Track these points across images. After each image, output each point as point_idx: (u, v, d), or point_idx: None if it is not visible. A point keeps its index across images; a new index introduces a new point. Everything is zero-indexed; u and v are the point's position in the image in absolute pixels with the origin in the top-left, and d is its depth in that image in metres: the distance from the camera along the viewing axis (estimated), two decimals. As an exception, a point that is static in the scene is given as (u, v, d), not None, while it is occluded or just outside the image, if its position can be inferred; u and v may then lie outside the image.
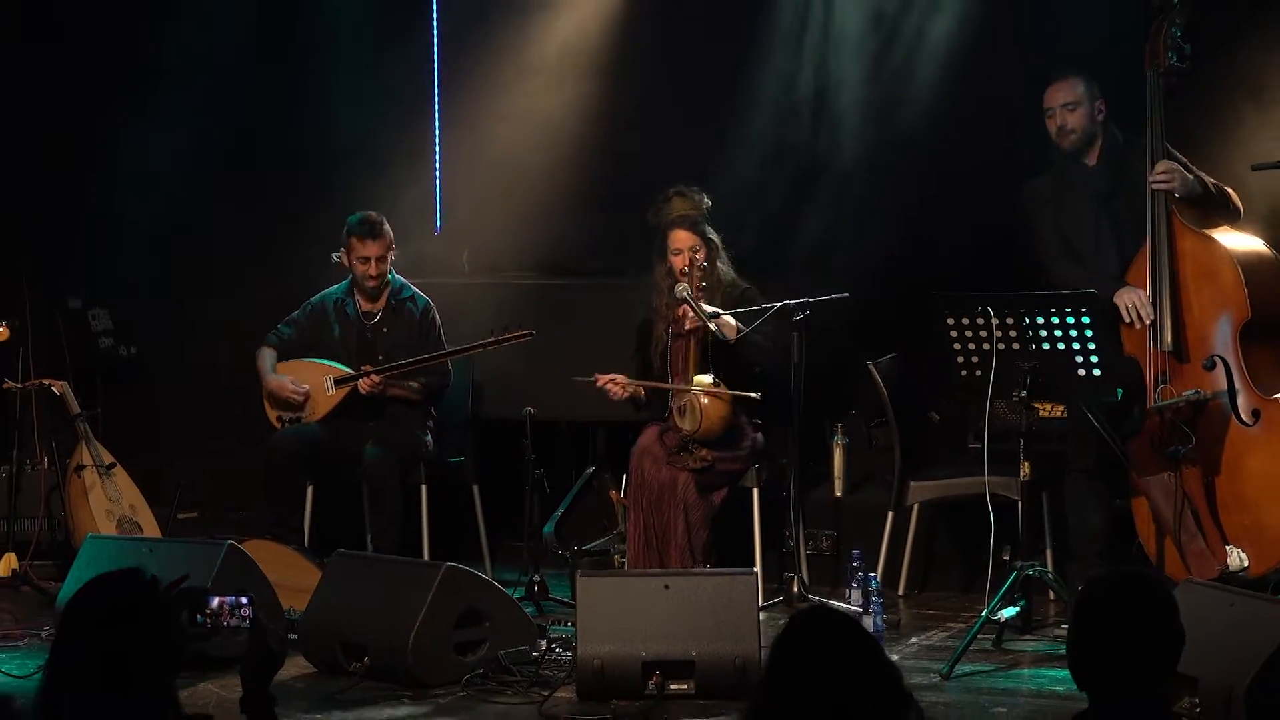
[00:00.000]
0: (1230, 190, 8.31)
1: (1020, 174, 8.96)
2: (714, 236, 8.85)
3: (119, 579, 4.69)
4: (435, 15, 11.09)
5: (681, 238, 8.79)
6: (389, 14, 11.08)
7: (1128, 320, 8.21)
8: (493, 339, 9.10)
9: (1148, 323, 8.16)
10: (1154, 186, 8.16)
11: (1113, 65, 8.62)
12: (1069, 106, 8.47)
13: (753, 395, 8.62)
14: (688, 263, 8.72)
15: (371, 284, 9.35)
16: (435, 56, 11.11)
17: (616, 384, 8.87)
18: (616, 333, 9.26)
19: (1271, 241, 8.18)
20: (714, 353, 8.73)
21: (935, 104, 10.02)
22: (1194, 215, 8.26)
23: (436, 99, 11.13)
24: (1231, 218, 8.29)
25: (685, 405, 8.69)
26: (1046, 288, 8.38)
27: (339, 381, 9.24)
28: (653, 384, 8.92)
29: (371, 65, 10.94)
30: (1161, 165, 8.18)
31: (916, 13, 10.07)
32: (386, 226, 9.37)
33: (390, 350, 9.28)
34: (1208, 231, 8.20)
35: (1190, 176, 8.18)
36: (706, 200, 8.97)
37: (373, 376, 9.13)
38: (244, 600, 7.58)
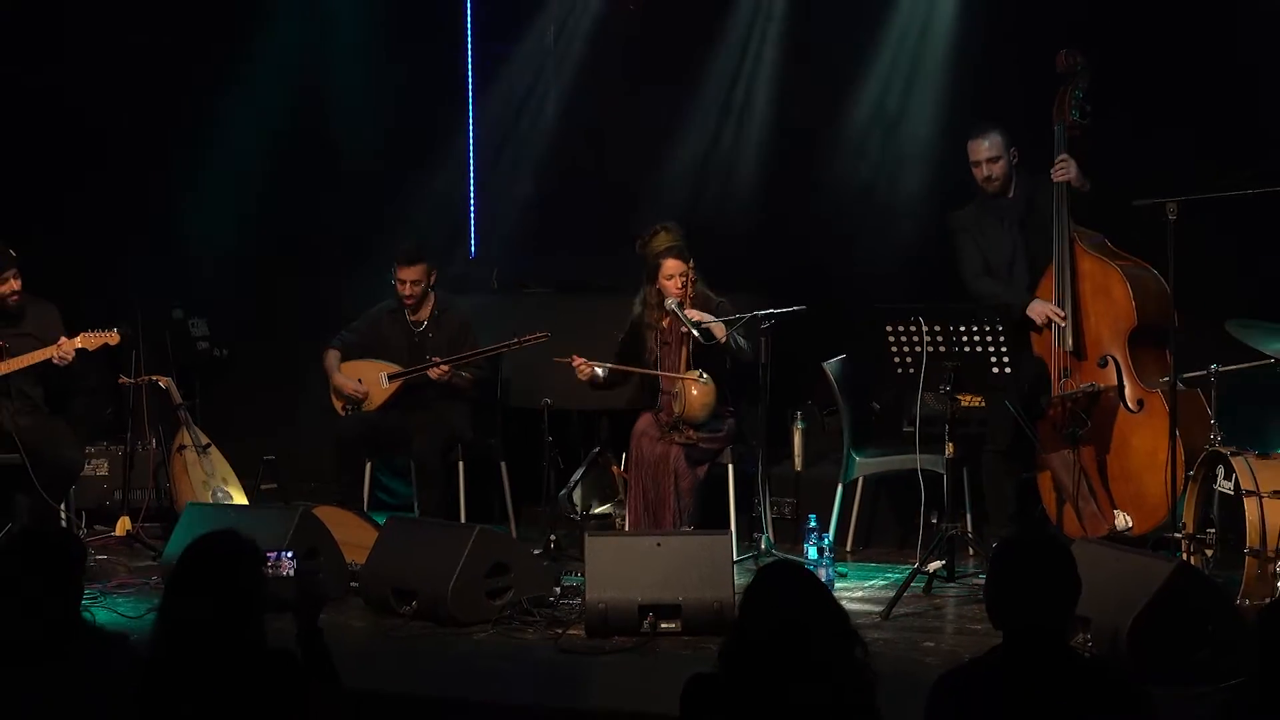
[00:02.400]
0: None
1: (942, 206, 8.98)
2: (691, 259, 8.85)
3: (222, 537, 4.70)
4: (470, 89, 11.12)
5: (672, 265, 8.78)
6: (434, 87, 11.11)
7: (1043, 325, 8.24)
8: (515, 340, 9.09)
9: (1064, 323, 8.18)
10: (1055, 178, 8.19)
11: (1029, 118, 8.62)
12: (992, 160, 8.48)
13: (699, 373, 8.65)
14: (680, 286, 8.73)
15: (408, 302, 9.34)
16: (470, 118, 11.14)
17: (587, 365, 8.87)
18: (616, 337, 9.25)
19: (1153, 264, 8.16)
20: (696, 352, 8.74)
21: (876, 151, 10.06)
22: (1093, 239, 8.28)
23: (471, 151, 11.16)
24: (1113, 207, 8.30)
25: (677, 393, 8.71)
26: (967, 301, 8.39)
27: (392, 377, 9.23)
28: (616, 367, 8.90)
29: (421, 127, 10.96)
30: (1060, 158, 8.20)
31: (864, 70, 10.11)
32: (423, 255, 9.34)
33: (435, 351, 9.25)
34: (1102, 256, 8.22)
35: (1083, 177, 8.21)
36: (682, 230, 8.97)
37: (442, 366, 9.10)
38: (289, 554, 7.60)
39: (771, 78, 10.40)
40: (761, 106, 10.40)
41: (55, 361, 8.92)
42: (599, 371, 8.90)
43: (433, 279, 9.39)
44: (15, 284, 9.01)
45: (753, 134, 10.41)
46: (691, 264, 8.77)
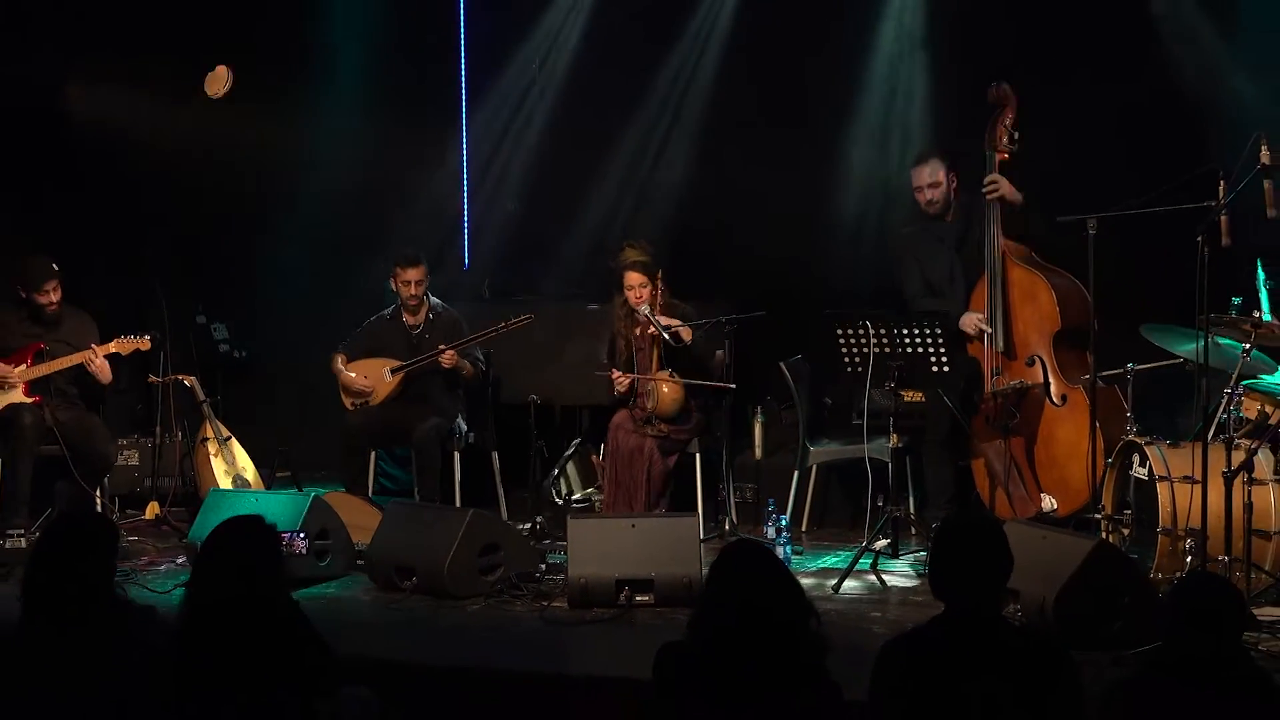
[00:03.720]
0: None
1: (886, 222, 8.99)
2: (657, 271, 8.84)
3: (246, 521, 4.71)
4: (464, 95, 11.10)
5: (632, 278, 8.83)
6: (423, 98, 11.09)
7: (973, 335, 8.27)
8: (504, 324, 9.11)
9: (988, 332, 8.20)
10: (988, 196, 8.21)
11: (964, 146, 8.64)
12: (933, 185, 8.49)
13: (729, 385, 8.63)
14: (639, 297, 8.77)
15: (412, 302, 9.33)
16: (464, 140, 11.13)
17: (625, 378, 8.88)
18: (596, 340, 9.26)
19: (1075, 273, 8.19)
20: (667, 353, 8.75)
21: (830, 175, 10.07)
22: (1022, 252, 8.29)
23: (465, 171, 11.15)
24: (1045, 225, 8.30)
25: (649, 391, 8.72)
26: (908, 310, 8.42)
27: (395, 370, 9.22)
28: (643, 376, 8.89)
29: (419, 149, 10.94)
30: (989, 177, 8.22)
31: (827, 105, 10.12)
32: (423, 258, 9.36)
33: (434, 349, 9.24)
34: (1030, 267, 8.24)
35: (1016, 192, 8.21)
36: (649, 246, 8.97)
37: (450, 351, 9.09)
38: (301, 535, 7.60)
39: (735, 108, 10.42)
40: (734, 136, 10.39)
41: (89, 368, 8.94)
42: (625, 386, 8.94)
43: (428, 282, 9.39)
44: (55, 295, 9.03)
45: (730, 157, 10.38)
46: (660, 275, 8.79)
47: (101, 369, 8.99)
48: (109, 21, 10.35)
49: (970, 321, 8.32)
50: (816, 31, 10.08)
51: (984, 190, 8.26)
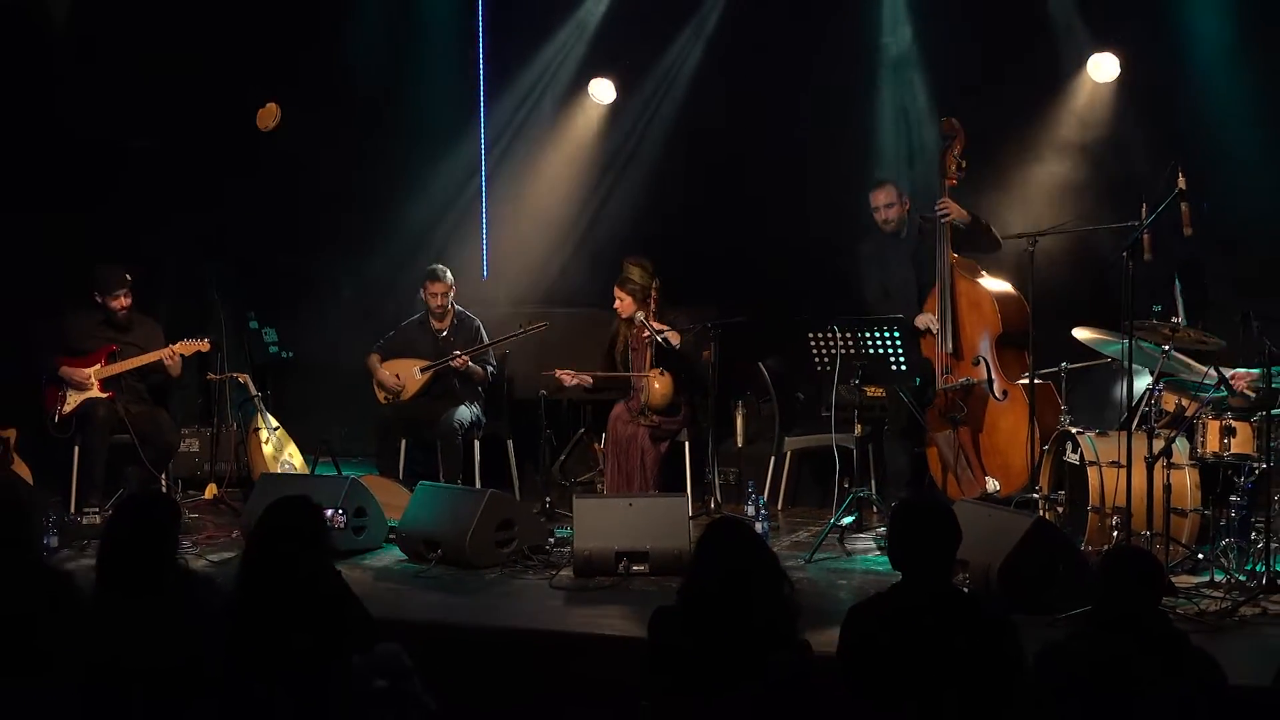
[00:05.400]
0: (991, 226, 8.34)
1: (847, 241, 8.98)
2: (647, 286, 8.83)
3: (295, 500, 4.71)
4: (483, 127, 11.07)
5: (618, 293, 8.87)
6: (448, 129, 11.03)
7: (924, 330, 8.25)
8: (521, 330, 9.14)
9: (935, 331, 8.19)
10: (940, 220, 8.19)
11: (918, 172, 8.63)
12: (889, 206, 8.49)
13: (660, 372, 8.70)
14: (623, 309, 8.84)
15: (438, 311, 9.35)
16: (483, 159, 11.07)
17: (568, 375, 8.90)
18: (598, 342, 9.27)
19: (1014, 283, 8.20)
20: (659, 354, 8.75)
21: (804, 196, 10.04)
22: (968, 266, 8.29)
23: (484, 191, 11.11)
24: (993, 245, 8.30)
25: (643, 386, 8.72)
26: (869, 314, 8.42)
27: (424, 369, 9.22)
28: (600, 375, 8.94)
29: (440, 162, 10.92)
30: (940, 201, 8.22)
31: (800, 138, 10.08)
32: (448, 274, 9.36)
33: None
34: (975, 279, 8.24)
35: (964, 211, 8.20)
36: (646, 261, 8.96)
37: (462, 357, 9.10)
38: (340, 511, 7.59)
39: (724, 132, 10.37)
40: (717, 158, 10.35)
41: (165, 363, 8.98)
42: (588, 380, 8.93)
43: (453, 293, 9.40)
44: (126, 300, 9.05)
45: (717, 177, 10.34)
46: (640, 292, 8.80)
47: (174, 365, 9.03)
48: (174, 62, 10.33)
49: (922, 320, 8.33)
50: (807, 47, 10.00)
51: (935, 213, 8.26)
